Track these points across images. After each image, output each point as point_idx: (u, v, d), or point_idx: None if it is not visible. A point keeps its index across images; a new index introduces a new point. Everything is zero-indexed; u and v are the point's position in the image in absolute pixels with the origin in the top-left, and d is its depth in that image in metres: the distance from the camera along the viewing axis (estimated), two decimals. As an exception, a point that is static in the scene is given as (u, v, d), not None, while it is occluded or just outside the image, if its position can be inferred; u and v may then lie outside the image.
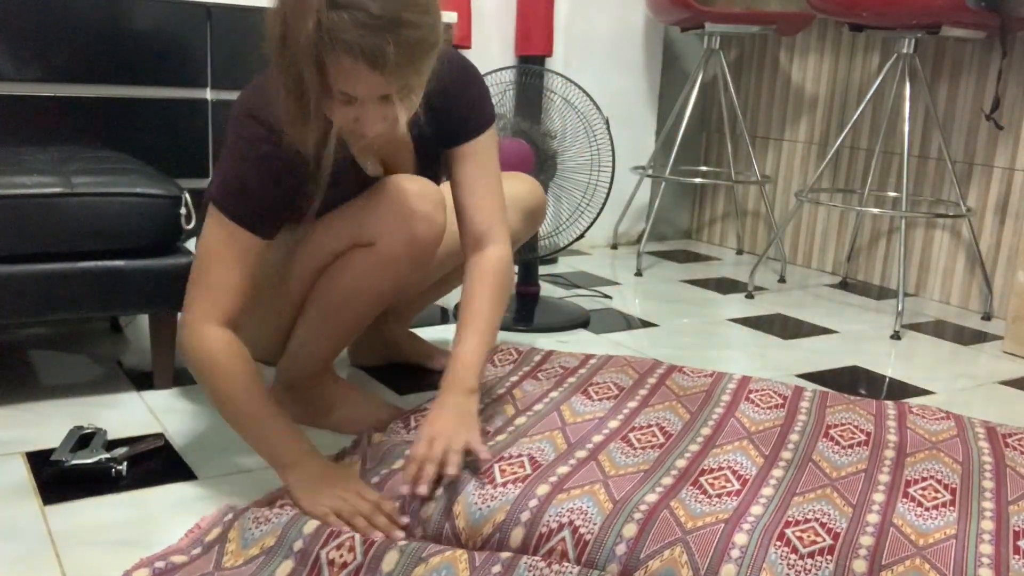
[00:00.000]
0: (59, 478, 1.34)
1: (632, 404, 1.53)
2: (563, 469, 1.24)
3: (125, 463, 1.38)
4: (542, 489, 1.17)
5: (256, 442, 1.28)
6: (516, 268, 2.43)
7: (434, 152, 1.50)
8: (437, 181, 1.56)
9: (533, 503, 1.14)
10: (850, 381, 1.99)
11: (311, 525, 1.11)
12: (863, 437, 1.45)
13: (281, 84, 1.17)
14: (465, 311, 1.40)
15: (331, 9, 1.09)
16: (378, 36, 1.10)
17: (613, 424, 1.43)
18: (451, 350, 1.39)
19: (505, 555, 1.06)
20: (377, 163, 1.47)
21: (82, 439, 1.41)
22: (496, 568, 1.04)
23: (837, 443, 1.41)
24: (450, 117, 1.44)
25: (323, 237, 1.43)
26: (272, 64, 1.17)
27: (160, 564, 1.08)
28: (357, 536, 1.09)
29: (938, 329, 2.50)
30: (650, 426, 1.43)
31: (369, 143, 1.39)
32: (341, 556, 1.07)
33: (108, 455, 1.36)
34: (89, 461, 1.35)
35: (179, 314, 1.35)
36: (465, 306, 1.40)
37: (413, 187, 1.41)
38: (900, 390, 1.95)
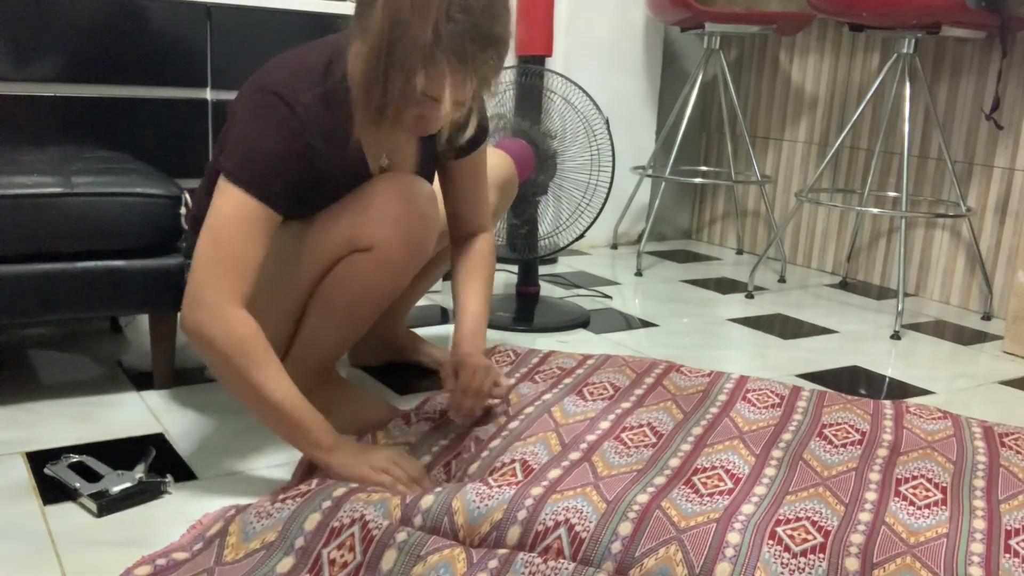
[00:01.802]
0: (113, 507, 1.26)
1: (626, 405, 1.53)
2: (555, 472, 1.24)
3: (169, 476, 1.34)
4: (536, 490, 1.18)
5: (291, 431, 1.27)
6: (516, 268, 2.43)
7: (433, 152, 1.54)
8: (431, 179, 1.59)
9: (529, 502, 1.14)
10: (850, 381, 1.99)
11: (312, 521, 1.12)
12: (858, 436, 1.45)
13: (367, 78, 1.24)
14: (466, 282, 1.55)
15: (448, 20, 1.18)
16: (486, 51, 1.21)
17: (604, 425, 1.43)
18: (457, 313, 1.53)
19: (502, 551, 1.06)
20: (384, 159, 1.48)
21: (76, 467, 1.35)
22: (493, 563, 1.04)
23: (830, 442, 1.41)
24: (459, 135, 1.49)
25: (320, 241, 1.43)
26: (365, 61, 1.24)
27: (162, 561, 1.09)
28: (356, 534, 1.09)
29: (938, 329, 2.50)
30: (641, 426, 1.43)
31: (382, 139, 1.44)
32: (342, 556, 1.07)
33: (140, 475, 1.31)
34: (132, 484, 1.29)
35: (188, 294, 1.26)
36: (466, 278, 1.55)
37: (407, 186, 1.42)
38: (900, 390, 1.96)
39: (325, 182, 1.40)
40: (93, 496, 1.26)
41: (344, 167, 1.41)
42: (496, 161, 1.81)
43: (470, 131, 1.41)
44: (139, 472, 1.32)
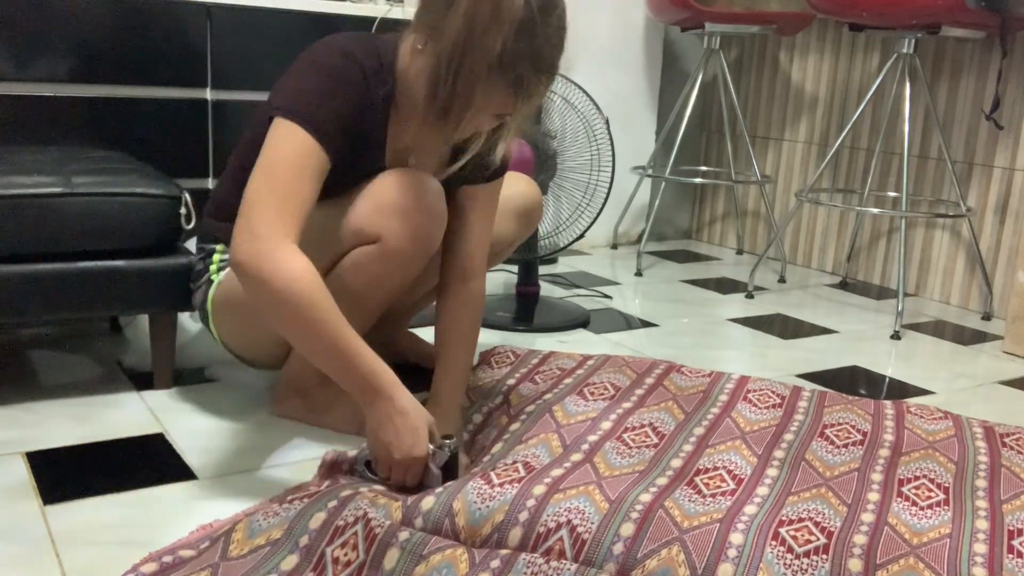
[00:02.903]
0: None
1: (627, 405, 1.52)
2: (557, 471, 1.24)
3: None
4: (538, 489, 1.18)
5: (346, 372, 1.27)
6: (516, 268, 2.43)
7: (457, 179, 1.54)
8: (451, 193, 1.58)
9: (531, 503, 1.14)
10: (850, 381, 1.99)
11: (317, 520, 1.12)
12: (859, 436, 1.45)
13: (435, 75, 1.26)
14: (451, 334, 1.53)
15: (516, 40, 1.21)
16: (539, 79, 1.26)
17: (606, 425, 1.43)
18: (439, 367, 1.52)
19: (504, 551, 1.06)
20: (413, 160, 1.49)
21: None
22: (495, 563, 1.04)
23: (832, 443, 1.41)
24: (482, 156, 1.50)
25: (326, 232, 1.43)
26: (435, 58, 1.26)
27: (168, 558, 1.09)
28: (359, 533, 1.09)
29: (938, 329, 2.50)
30: (643, 426, 1.43)
31: (410, 137, 1.47)
32: (345, 554, 1.07)
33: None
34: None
35: (243, 229, 1.23)
36: (451, 329, 1.54)
37: (415, 180, 1.42)
38: (900, 390, 1.95)
39: (349, 158, 1.40)
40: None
41: (364, 152, 1.43)
42: (521, 189, 1.81)
43: (499, 153, 1.43)
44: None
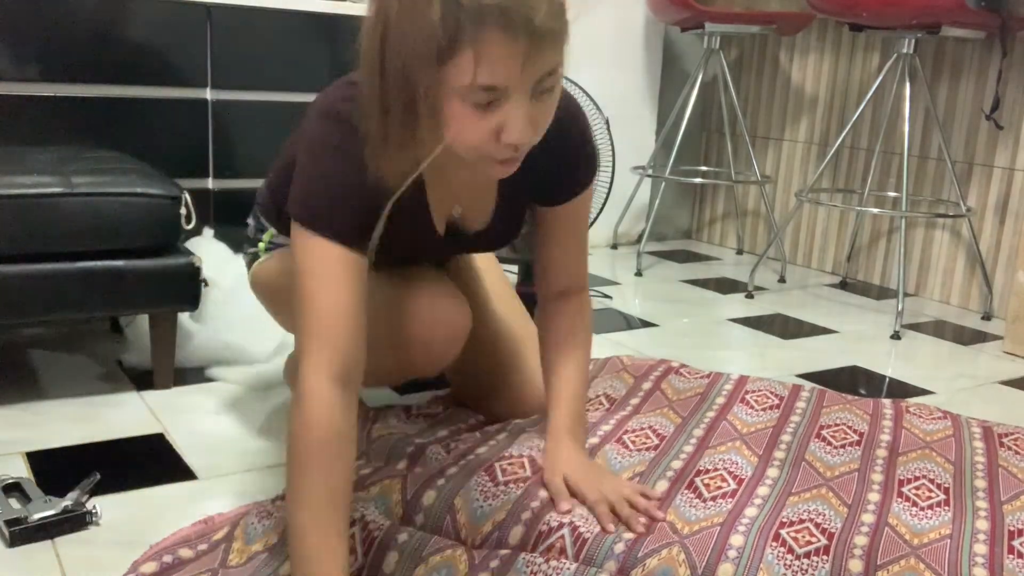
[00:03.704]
0: (27, 537, 1.18)
1: (623, 413, 1.51)
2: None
3: (97, 507, 1.24)
4: (544, 492, 1.17)
5: (294, 552, 0.99)
6: (516, 268, 2.43)
7: (520, 203, 1.33)
8: (516, 232, 1.39)
9: (535, 504, 1.14)
10: (850, 381, 1.99)
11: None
12: (855, 437, 1.44)
13: (376, 104, 1.00)
14: (560, 358, 1.33)
15: None
16: (510, 22, 0.92)
17: (605, 428, 1.43)
18: (550, 395, 1.32)
19: (503, 551, 1.06)
20: (457, 208, 1.28)
21: (11, 488, 1.28)
22: (494, 563, 1.04)
23: (829, 444, 1.41)
24: (551, 173, 1.26)
25: (376, 310, 1.28)
26: (366, 83, 1.01)
27: (168, 558, 1.09)
28: (357, 536, 1.09)
29: (938, 329, 2.50)
30: (643, 429, 1.43)
31: (455, 186, 1.25)
32: (343, 557, 1.07)
33: (68, 503, 1.22)
34: (55, 512, 1.20)
35: (296, 354, 1.11)
36: (559, 352, 1.34)
37: (439, 291, 1.35)
38: (900, 390, 1.95)
39: (388, 226, 1.19)
40: (8, 523, 1.18)
41: (405, 214, 1.21)
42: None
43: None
44: (69, 500, 1.24)
